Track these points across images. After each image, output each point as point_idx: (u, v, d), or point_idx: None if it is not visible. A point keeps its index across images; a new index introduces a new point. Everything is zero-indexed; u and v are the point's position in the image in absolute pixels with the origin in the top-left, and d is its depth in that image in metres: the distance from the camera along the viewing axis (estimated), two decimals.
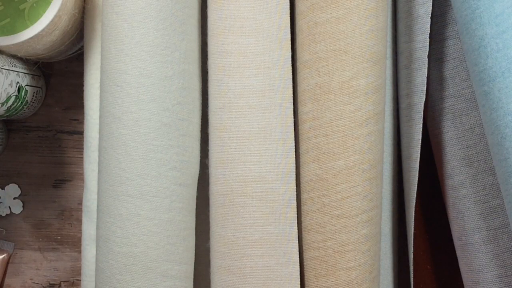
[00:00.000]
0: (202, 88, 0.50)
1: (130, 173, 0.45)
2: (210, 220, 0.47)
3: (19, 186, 0.61)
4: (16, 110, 0.55)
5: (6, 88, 0.50)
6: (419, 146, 0.47)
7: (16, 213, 0.61)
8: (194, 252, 0.49)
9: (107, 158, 0.46)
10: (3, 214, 0.61)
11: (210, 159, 0.47)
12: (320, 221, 0.45)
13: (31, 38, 0.48)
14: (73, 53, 0.58)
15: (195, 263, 0.49)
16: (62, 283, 0.61)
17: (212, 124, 0.46)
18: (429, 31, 0.46)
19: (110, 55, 0.45)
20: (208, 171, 0.47)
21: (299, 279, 0.45)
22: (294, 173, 0.45)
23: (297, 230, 0.46)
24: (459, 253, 0.49)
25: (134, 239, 0.45)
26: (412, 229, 0.48)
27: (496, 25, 0.39)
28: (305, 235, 0.46)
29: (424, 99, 0.46)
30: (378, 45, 0.44)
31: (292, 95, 0.46)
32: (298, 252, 0.45)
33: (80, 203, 0.60)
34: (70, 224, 0.61)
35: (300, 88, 0.46)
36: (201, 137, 0.50)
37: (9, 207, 0.61)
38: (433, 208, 0.53)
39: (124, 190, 0.45)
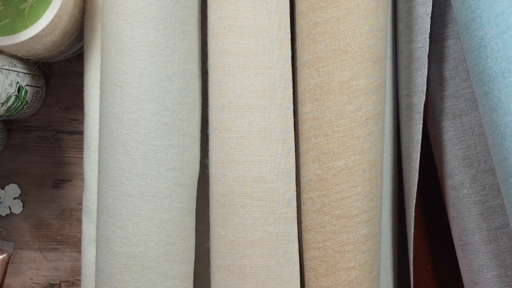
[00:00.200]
0: (202, 88, 0.50)
1: (130, 173, 0.45)
2: (210, 220, 0.47)
3: (19, 186, 0.61)
4: (16, 110, 0.55)
5: (6, 88, 0.50)
6: (419, 146, 0.47)
7: (16, 213, 0.61)
8: (194, 252, 0.49)
9: (107, 158, 0.46)
10: (3, 214, 0.61)
11: (210, 159, 0.47)
12: (320, 221, 0.45)
13: (31, 38, 0.48)
14: (73, 53, 0.58)
15: (195, 263, 0.49)
16: (62, 283, 0.61)
17: (212, 124, 0.46)
18: (429, 31, 0.46)
19: (110, 55, 0.45)
20: (208, 171, 0.47)
21: (299, 279, 0.45)
22: (294, 173, 0.45)
23: (297, 230, 0.46)
24: (459, 253, 0.49)
25: (134, 239, 0.45)
26: (412, 229, 0.48)
27: (496, 25, 0.39)
28: (305, 235, 0.46)
29: (424, 99, 0.46)
30: (378, 45, 0.44)
31: (292, 95, 0.46)
32: (298, 252, 0.45)
33: (80, 203, 0.60)
34: (70, 224, 0.61)
35: (300, 88, 0.46)
36: (201, 137, 0.50)
37: (9, 207, 0.61)
38: (433, 208, 0.53)
39: (124, 190, 0.45)
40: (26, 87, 0.55)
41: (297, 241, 0.45)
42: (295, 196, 0.45)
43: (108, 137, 0.46)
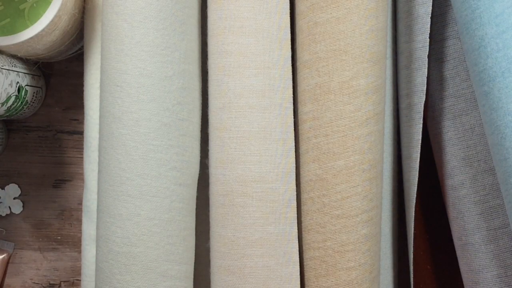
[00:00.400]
0: (202, 88, 0.50)
1: (130, 173, 0.45)
2: (210, 220, 0.47)
3: (19, 186, 0.61)
4: (16, 110, 0.55)
5: (6, 88, 0.50)
6: (419, 146, 0.47)
7: (16, 213, 0.61)
8: (194, 252, 0.49)
9: (107, 158, 0.46)
10: (3, 214, 0.61)
11: (210, 159, 0.47)
12: (320, 221, 0.45)
13: (31, 38, 0.48)
14: (73, 53, 0.58)
15: (195, 263, 0.49)
16: (62, 283, 0.61)
17: (212, 124, 0.46)
18: (429, 31, 0.46)
19: (110, 55, 0.45)
20: (208, 171, 0.47)
21: (299, 279, 0.45)
22: (294, 173, 0.45)
23: (297, 230, 0.46)
24: (459, 253, 0.49)
25: (134, 239, 0.45)
26: (412, 229, 0.48)
27: (496, 25, 0.39)
28: (305, 235, 0.46)
29: (424, 99, 0.46)
30: (378, 45, 0.44)
31: (292, 95, 0.46)
32: (298, 252, 0.45)
33: (80, 203, 0.60)
34: (70, 224, 0.61)
35: (300, 88, 0.46)
36: (201, 137, 0.50)
37: (9, 207, 0.61)
38: (433, 208, 0.53)
39: (124, 190, 0.45)
40: (26, 87, 0.55)
41: (297, 241, 0.45)
42: (295, 196, 0.45)
43: (108, 137, 0.46)
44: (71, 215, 0.61)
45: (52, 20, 0.48)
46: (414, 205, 0.47)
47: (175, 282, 0.46)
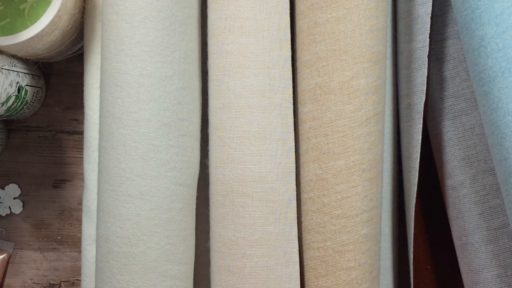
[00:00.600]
0: (202, 88, 0.50)
1: (130, 173, 0.45)
2: (210, 220, 0.47)
3: (19, 186, 0.61)
4: (16, 110, 0.55)
5: (6, 88, 0.50)
6: (419, 146, 0.47)
7: (16, 213, 0.61)
8: (194, 252, 0.49)
9: (107, 158, 0.46)
10: (3, 214, 0.61)
11: (210, 159, 0.47)
12: (320, 221, 0.45)
13: (31, 38, 0.48)
14: (73, 53, 0.58)
15: (195, 263, 0.49)
16: (62, 283, 0.61)
17: (212, 124, 0.46)
18: (429, 31, 0.46)
19: (110, 55, 0.45)
20: (208, 171, 0.47)
21: (299, 279, 0.45)
22: (294, 173, 0.45)
23: (297, 230, 0.46)
24: (459, 253, 0.49)
25: (134, 239, 0.45)
26: (412, 229, 0.48)
27: (496, 25, 0.39)
28: (305, 235, 0.46)
29: (424, 99, 0.46)
30: (378, 45, 0.44)
31: (292, 95, 0.46)
32: (298, 252, 0.45)
33: (80, 203, 0.60)
34: (70, 224, 0.61)
35: (300, 88, 0.46)
36: (201, 137, 0.50)
37: (9, 207, 0.61)
38: (433, 208, 0.53)
39: (124, 190, 0.45)
40: (26, 87, 0.55)
41: (297, 241, 0.45)
42: (295, 196, 0.45)
43: (108, 137, 0.46)
44: (71, 215, 0.61)
45: (52, 20, 0.48)
46: (414, 205, 0.47)
47: (175, 282, 0.46)
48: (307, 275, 0.46)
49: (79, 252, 0.60)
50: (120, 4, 0.45)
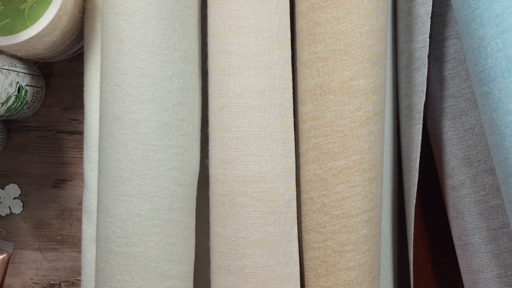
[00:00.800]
0: (202, 88, 0.50)
1: (130, 173, 0.45)
2: (210, 220, 0.47)
3: (19, 186, 0.61)
4: (16, 110, 0.55)
5: (6, 88, 0.50)
6: (419, 146, 0.47)
7: (16, 213, 0.61)
8: (194, 252, 0.49)
9: (107, 158, 0.46)
10: (3, 214, 0.61)
11: (210, 159, 0.47)
12: (320, 221, 0.45)
13: (31, 38, 0.48)
14: (73, 53, 0.58)
15: (195, 263, 0.49)
16: (62, 283, 0.61)
17: (212, 124, 0.46)
18: (429, 31, 0.46)
19: (110, 55, 0.45)
20: (208, 171, 0.47)
21: (299, 279, 0.45)
22: (294, 173, 0.45)
23: (297, 230, 0.46)
24: (459, 253, 0.49)
25: (134, 239, 0.45)
26: (412, 229, 0.48)
27: (496, 25, 0.39)
28: (305, 235, 0.46)
29: (424, 99, 0.46)
30: (378, 45, 0.44)
31: (292, 95, 0.46)
32: (298, 252, 0.45)
33: (80, 203, 0.60)
34: (70, 224, 0.61)
35: (300, 88, 0.46)
36: (201, 137, 0.50)
37: (9, 207, 0.61)
38: (433, 208, 0.53)
39: (124, 190, 0.45)
40: (26, 87, 0.55)
41: (297, 241, 0.45)
42: (295, 196, 0.45)
43: (108, 137, 0.46)
44: (71, 215, 0.61)
45: (52, 20, 0.48)
46: (414, 205, 0.47)
47: (175, 282, 0.46)
48: (307, 275, 0.46)
49: (79, 252, 0.60)
50: (120, 4, 0.45)
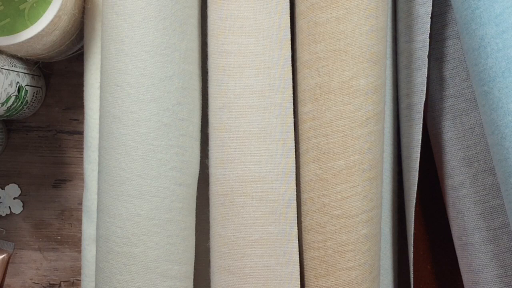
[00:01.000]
0: (202, 88, 0.50)
1: (130, 173, 0.45)
2: (210, 220, 0.47)
3: (19, 186, 0.61)
4: (16, 110, 0.55)
5: (6, 88, 0.50)
6: (419, 146, 0.47)
7: (16, 213, 0.61)
8: (194, 252, 0.49)
9: (107, 158, 0.46)
10: (3, 214, 0.61)
11: (210, 159, 0.47)
12: (320, 221, 0.45)
13: (31, 38, 0.48)
14: (73, 53, 0.58)
15: (195, 263, 0.49)
16: (62, 283, 0.61)
17: (212, 124, 0.46)
18: (429, 31, 0.46)
19: (110, 55, 0.45)
20: (208, 171, 0.47)
21: (299, 279, 0.45)
22: (294, 173, 0.45)
23: (297, 230, 0.46)
24: (459, 253, 0.49)
25: (134, 239, 0.45)
26: (412, 229, 0.48)
27: (496, 25, 0.39)
28: (305, 235, 0.46)
29: (424, 99, 0.46)
30: (378, 45, 0.44)
31: (292, 95, 0.46)
32: (298, 252, 0.45)
33: (80, 203, 0.60)
34: (70, 224, 0.61)
35: (300, 88, 0.46)
36: (201, 137, 0.50)
37: (9, 207, 0.61)
38: (433, 208, 0.53)
39: (124, 190, 0.45)
40: (26, 87, 0.55)
41: (297, 241, 0.45)
42: (295, 196, 0.45)
43: (108, 137, 0.46)
44: (71, 215, 0.61)
45: (52, 20, 0.48)
46: (414, 205, 0.47)
47: (175, 282, 0.46)
48: (307, 275, 0.46)
49: (79, 252, 0.60)
50: (120, 4, 0.45)
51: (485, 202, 0.47)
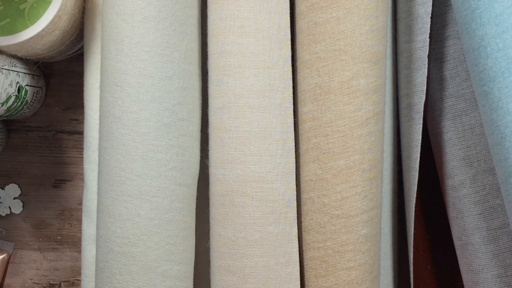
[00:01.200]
0: (202, 88, 0.50)
1: (130, 173, 0.45)
2: (210, 220, 0.47)
3: (19, 186, 0.61)
4: (16, 110, 0.55)
5: (6, 88, 0.50)
6: (419, 146, 0.47)
7: (16, 213, 0.61)
8: (194, 252, 0.49)
9: (107, 158, 0.46)
10: (3, 214, 0.61)
11: (210, 159, 0.47)
12: (320, 221, 0.45)
13: (31, 38, 0.48)
14: (73, 53, 0.58)
15: (195, 263, 0.49)
16: (62, 283, 0.61)
17: (212, 124, 0.46)
18: (429, 31, 0.46)
19: (110, 55, 0.45)
20: (208, 171, 0.47)
21: (299, 279, 0.45)
22: (294, 173, 0.45)
23: (297, 230, 0.46)
24: (459, 253, 0.49)
25: (134, 239, 0.45)
26: (412, 229, 0.48)
27: (496, 25, 0.39)
28: (305, 235, 0.46)
29: (424, 99, 0.46)
30: (378, 45, 0.44)
31: (292, 95, 0.46)
32: (298, 252, 0.45)
33: (80, 203, 0.60)
34: (70, 224, 0.61)
35: (300, 88, 0.46)
36: (201, 137, 0.50)
37: (9, 207, 0.61)
38: (433, 208, 0.53)
39: (124, 190, 0.45)
40: (26, 87, 0.55)
41: (297, 241, 0.45)
42: (295, 196, 0.45)
43: (108, 137, 0.46)
44: (71, 215, 0.61)
45: (52, 20, 0.48)
46: (414, 205, 0.47)
47: (175, 282, 0.46)
48: (307, 275, 0.46)
49: (79, 252, 0.60)
50: (120, 4, 0.45)
51: (485, 202, 0.47)
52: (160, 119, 0.45)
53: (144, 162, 0.45)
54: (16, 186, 0.61)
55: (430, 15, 0.45)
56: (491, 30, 0.40)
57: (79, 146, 0.61)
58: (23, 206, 0.61)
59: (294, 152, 0.46)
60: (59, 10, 0.48)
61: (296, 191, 0.47)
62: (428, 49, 0.46)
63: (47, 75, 0.61)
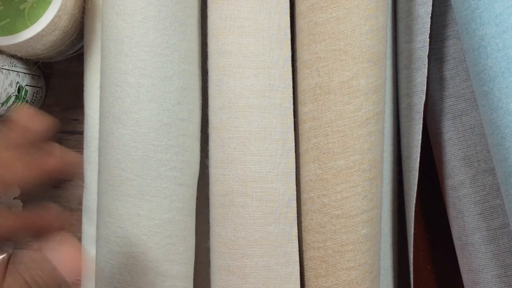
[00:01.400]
0: (202, 88, 0.50)
1: (130, 173, 0.45)
2: (210, 220, 0.47)
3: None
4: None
5: (6, 88, 0.50)
6: (419, 146, 0.47)
7: None
8: (194, 252, 0.49)
9: (107, 158, 0.46)
10: None
11: (210, 159, 0.47)
12: (320, 221, 0.45)
13: (31, 38, 0.48)
14: (73, 53, 0.58)
15: (195, 263, 0.49)
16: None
17: (212, 124, 0.46)
18: (429, 31, 0.46)
19: (110, 55, 0.45)
20: (208, 171, 0.47)
21: (299, 279, 0.45)
22: (294, 173, 0.45)
23: (297, 230, 0.46)
24: (459, 253, 0.49)
25: (134, 239, 0.45)
26: (412, 229, 0.48)
27: (496, 25, 0.39)
28: (305, 235, 0.46)
29: (424, 99, 0.46)
30: (378, 45, 0.44)
31: (292, 95, 0.46)
32: (298, 252, 0.45)
33: (80, 203, 0.60)
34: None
35: (300, 88, 0.46)
36: (201, 137, 0.50)
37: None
38: (433, 208, 0.53)
39: (124, 190, 0.45)
40: (26, 87, 0.55)
41: (297, 241, 0.45)
42: (295, 196, 0.45)
43: (108, 137, 0.46)
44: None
45: (52, 20, 0.48)
46: (414, 205, 0.47)
47: (175, 282, 0.46)
48: (307, 275, 0.46)
49: None
50: (120, 4, 0.45)
51: (485, 202, 0.47)
52: (160, 119, 0.45)
53: (144, 162, 0.45)
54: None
55: (430, 15, 0.45)
56: (491, 30, 0.40)
57: (79, 146, 0.61)
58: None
59: (294, 152, 0.46)
60: (59, 10, 0.48)
61: (296, 191, 0.47)
62: (428, 49, 0.46)
63: (47, 75, 0.60)
